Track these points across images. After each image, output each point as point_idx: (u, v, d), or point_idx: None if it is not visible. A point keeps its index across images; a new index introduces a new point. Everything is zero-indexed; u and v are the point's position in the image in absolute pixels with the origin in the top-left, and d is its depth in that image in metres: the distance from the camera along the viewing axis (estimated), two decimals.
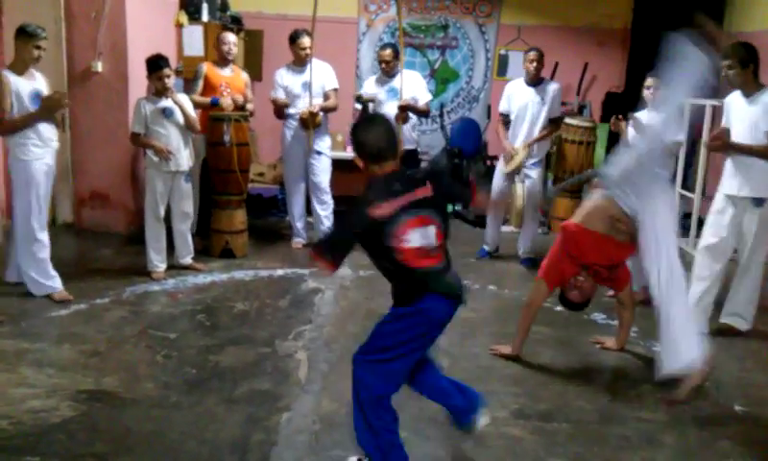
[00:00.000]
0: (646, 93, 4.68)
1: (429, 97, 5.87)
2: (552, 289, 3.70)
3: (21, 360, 3.46)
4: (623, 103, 5.12)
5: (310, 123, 5.45)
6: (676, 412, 3.27)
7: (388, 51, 5.60)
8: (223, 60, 5.53)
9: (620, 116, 4.85)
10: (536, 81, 5.42)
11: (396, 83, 5.58)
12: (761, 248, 4.14)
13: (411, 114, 5.64)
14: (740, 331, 4.23)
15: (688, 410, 3.29)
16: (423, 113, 5.90)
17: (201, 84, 5.47)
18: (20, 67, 4.14)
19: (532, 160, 5.53)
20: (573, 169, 6.61)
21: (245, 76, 5.73)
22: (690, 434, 3.09)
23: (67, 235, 5.50)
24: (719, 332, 4.19)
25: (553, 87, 5.46)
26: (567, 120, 6.68)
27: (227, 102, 5.36)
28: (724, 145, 4.07)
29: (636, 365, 3.80)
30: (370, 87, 5.75)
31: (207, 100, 5.34)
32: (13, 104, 4.07)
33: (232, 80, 5.56)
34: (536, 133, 5.46)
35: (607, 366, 3.85)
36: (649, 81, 4.66)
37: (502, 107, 5.63)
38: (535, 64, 5.34)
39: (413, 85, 5.64)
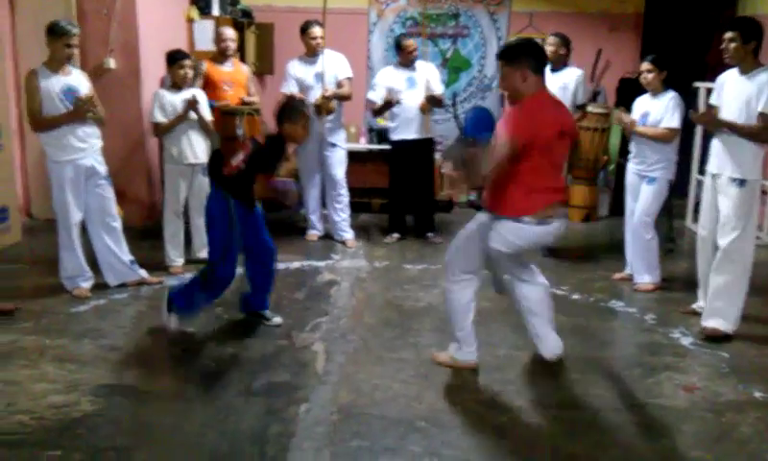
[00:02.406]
0: (641, 79, 4.66)
1: (443, 88, 5.94)
2: None
3: (42, 356, 3.50)
4: (637, 88, 5.08)
5: (323, 109, 5.45)
6: (695, 399, 3.25)
7: (412, 40, 5.69)
8: (222, 56, 5.49)
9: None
10: (557, 67, 5.38)
11: (415, 73, 5.61)
12: (749, 230, 3.94)
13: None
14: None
15: (707, 397, 3.27)
16: (441, 105, 5.99)
17: (200, 82, 5.37)
18: (54, 65, 4.14)
19: None
20: (588, 156, 6.57)
21: (246, 69, 5.69)
22: (710, 421, 3.07)
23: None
24: (742, 318, 4.14)
25: (576, 73, 5.38)
26: None
27: (223, 104, 5.38)
28: (711, 120, 3.99)
29: (653, 353, 3.78)
30: (388, 75, 5.73)
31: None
32: (42, 101, 4.09)
33: (233, 75, 5.52)
34: None
35: (624, 354, 3.84)
36: (644, 65, 4.62)
37: None
38: (551, 49, 5.29)
39: (430, 76, 5.69)
